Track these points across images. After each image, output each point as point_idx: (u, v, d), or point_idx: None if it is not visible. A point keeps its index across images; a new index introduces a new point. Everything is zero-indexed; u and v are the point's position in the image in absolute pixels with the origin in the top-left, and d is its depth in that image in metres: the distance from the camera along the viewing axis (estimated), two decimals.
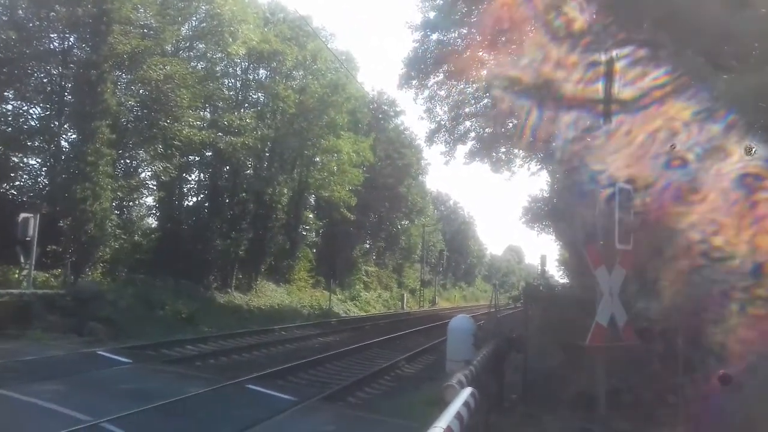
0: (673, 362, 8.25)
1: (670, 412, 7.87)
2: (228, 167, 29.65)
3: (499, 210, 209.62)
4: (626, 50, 9.33)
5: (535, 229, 33.45)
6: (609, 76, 9.34)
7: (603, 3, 10.62)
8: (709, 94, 8.48)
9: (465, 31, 22.54)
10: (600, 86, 9.28)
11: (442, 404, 4.60)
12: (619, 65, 9.32)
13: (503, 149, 26.99)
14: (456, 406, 4.12)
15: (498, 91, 18.32)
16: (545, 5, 12.60)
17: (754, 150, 7.42)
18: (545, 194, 27.68)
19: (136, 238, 24.61)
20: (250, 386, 11.77)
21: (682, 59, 8.59)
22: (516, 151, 26.33)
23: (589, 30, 10.68)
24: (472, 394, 4.70)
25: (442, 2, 22.53)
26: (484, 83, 23.01)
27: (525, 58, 14.22)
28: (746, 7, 8.42)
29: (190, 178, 30.04)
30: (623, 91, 9.38)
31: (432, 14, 23.24)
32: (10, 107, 22.21)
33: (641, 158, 8.81)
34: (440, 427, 3.45)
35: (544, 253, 79.16)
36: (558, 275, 29.60)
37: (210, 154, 28.46)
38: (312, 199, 40.03)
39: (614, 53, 9.39)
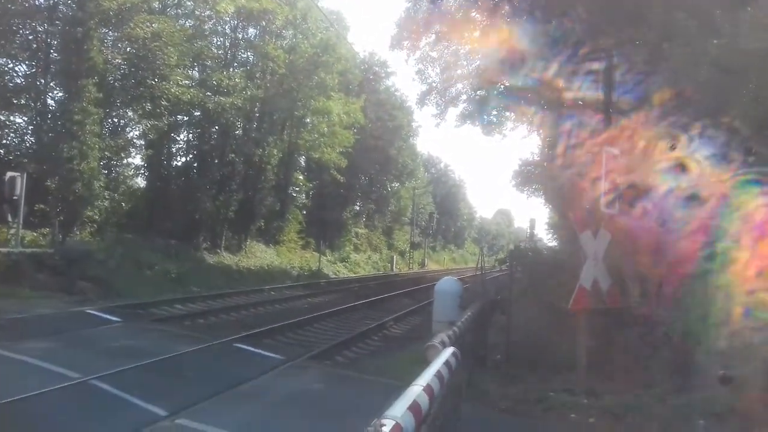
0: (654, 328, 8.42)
1: (648, 374, 8.06)
2: (217, 127, 29.31)
3: (489, 173, 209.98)
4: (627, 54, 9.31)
5: (525, 192, 33.45)
6: (608, 81, 9.36)
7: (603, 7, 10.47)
8: (711, 100, 8.44)
9: None
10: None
11: (426, 363, 4.70)
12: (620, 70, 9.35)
13: (494, 112, 26.82)
14: (437, 365, 4.21)
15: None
16: None
17: (754, 150, 7.47)
18: (536, 158, 27.65)
19: (124, 198, 24.43)
20: (239, 345, 11.92)
21: (684, 65, 8.51)
22: (507, 113, 26.19)
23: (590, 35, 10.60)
24: (453, 354, 4.79)
25: None
26: (476, 43, 22.75)
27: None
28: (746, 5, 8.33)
29: (178, 138, 29.73)
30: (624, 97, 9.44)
31: None
32: None
33: (642, 163, 8.83)
34: (420, 385, 3.53)
35: (533, 217, 79.60)
36: (547, 239, 29.82)
37: (198, 114, 28.11)
38: (302, 161, 39.83)
39: (615, 59, 9.39)
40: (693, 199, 8.11)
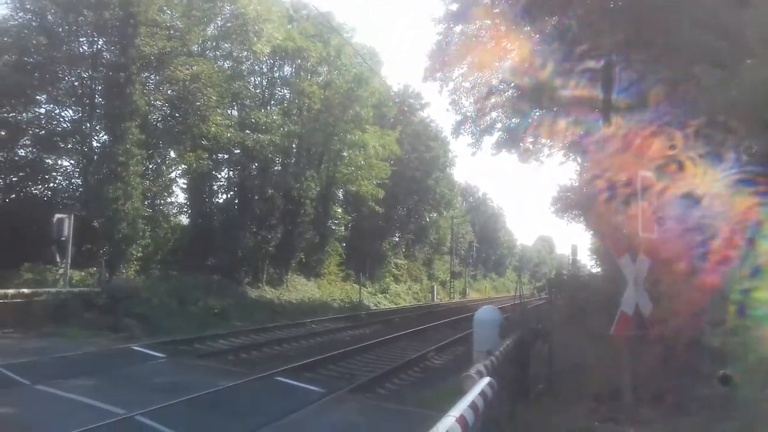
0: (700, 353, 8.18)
1: (696, 402, 7.80)
2: (256, 164, 29.99)
3: (528, 200, 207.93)
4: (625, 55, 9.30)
5: (565, 218, 32.99)
6: (608, 81, 9.33)
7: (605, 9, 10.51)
8: (707, 96, 8.36)
9: (489, 22, 22.37)
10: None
11: (461, 394, 4.67)
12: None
13: (530, 139, 26.73)
14: (472, 395, 4.19)
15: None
16: None
17: (754, 149, 7.33)
18: (574, 183, 27.37)
19: (167, 236, 25.00)
20: (280, 378, 11.95)
21: (682, 62, 8.47)
22: (543, 140, 26.08)
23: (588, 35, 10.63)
24: (489, 384, 4.76)
25: None
26: (508, 74, 22.84)
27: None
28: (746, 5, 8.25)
29: (219, 176, 30.51)
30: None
31: (455, 6, 23.04)
32: (43, 110, 22.98)
33: (641, 162, 8.74)
34: (453, 416, 3.52)
35: (575, 243, 78.16)
36: (590, 265, 29.31)
37: (238, 151, 28.82)
38: (340, 194, 40.24)
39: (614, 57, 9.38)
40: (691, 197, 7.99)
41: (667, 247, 8.28)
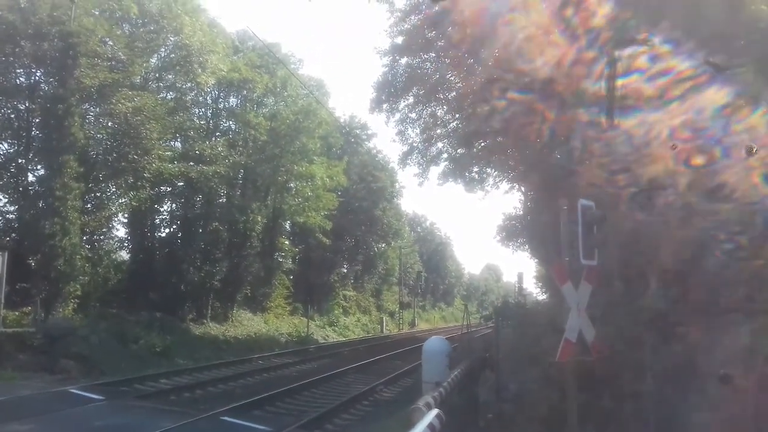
0: (644, 375, 8.35)
1: (640, 422, 7.94)
2: (200, 196, 29.53)
3: (475, 229, 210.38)
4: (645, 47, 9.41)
5: (510, 246, 33.53)
6: (612, 75, 9.52)
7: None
8: (735, 87, 8.56)
9: (433, 55, 22.86)
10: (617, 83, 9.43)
11: (410, 427, 4.62)
12: (639, 60, 9.44)
13: (476, 169, 27.23)
14: (420, 429, 4.15)
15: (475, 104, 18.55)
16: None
17: (755, 150, 7.53)
18: (518, 212, 27.92)
19: (107, 272, 24.19)
20: (226, 418, 11.67)
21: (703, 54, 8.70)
22: (488, 170, 26.60)
23: (606, 27, 10.79)
24: (437, 416, 4.73)
25: (409, 27, 22.82)
26: (454, 103, 23.30)
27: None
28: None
29: (161, 209, 29.82)
30: (643, 86, 9.47)
31: (400, 39, 23.48)
32: None
33: (661, 156, 8.86)
34: None
35: (520, 271, 79.54)
36: (536, 292, 29.77)
37: (182, 183, 28.30)
38: (287, 225, 39.91)
39: (626, 50, 9.53)
40: (716, 191, 8.09)
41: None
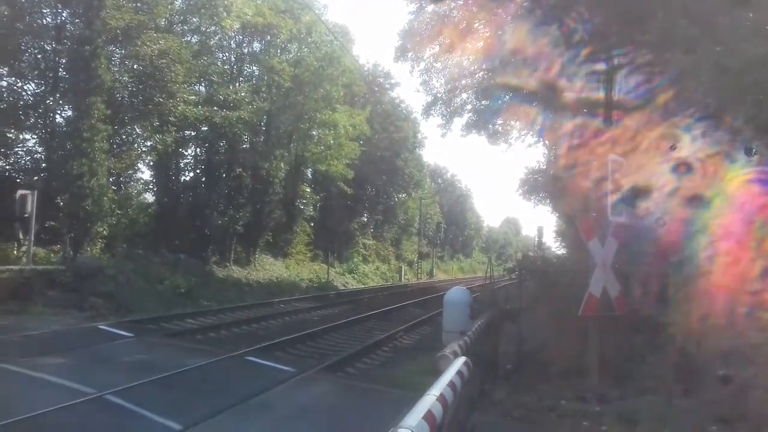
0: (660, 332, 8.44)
1: (656, 379, 8.06)
2: (224, 142, 29.62)
3: (496, 182, 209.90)
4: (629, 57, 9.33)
5: (532, 200, 33.37)
6: (610, 82, 9.42)
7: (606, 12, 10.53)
8: (714, 98, 8.47)
9: (461, 2, 22.33)
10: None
11: (437, 374, 4.75)
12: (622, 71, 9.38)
13: (500, 121, 26.91)
14: (449, 375, 4.27)
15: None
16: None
17: (754, 151, 7.48)
18: (542, 166, 27.68)
19: (134, 213, 24.59)
20: (250, 358, 11.96)
21: (685, 64, 8.56)
22: (513, 122, 26.26)
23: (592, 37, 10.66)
24: (465, 364, 4.84)
25: None
26: (481, 54, 22.87)
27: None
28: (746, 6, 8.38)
29: (186, 153, 30.01)
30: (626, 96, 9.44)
31: None
32: (4, 83, 22.16)
33: (646, 164, 8.85)
34: (433, 395, 3.59)
35: (541, 225, 79.33)
36: (555, 247, 29.75)
37: (206, 128, 28.37)
38: (309, 173, 40.03)
39: (615, 60, 9.43)
40: (695, 199, 8.12)
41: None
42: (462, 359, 4.93)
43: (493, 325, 10.00)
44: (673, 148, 8.61)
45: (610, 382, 8.55)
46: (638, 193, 8.56)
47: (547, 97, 16.14)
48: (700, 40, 8.35)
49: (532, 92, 17.92)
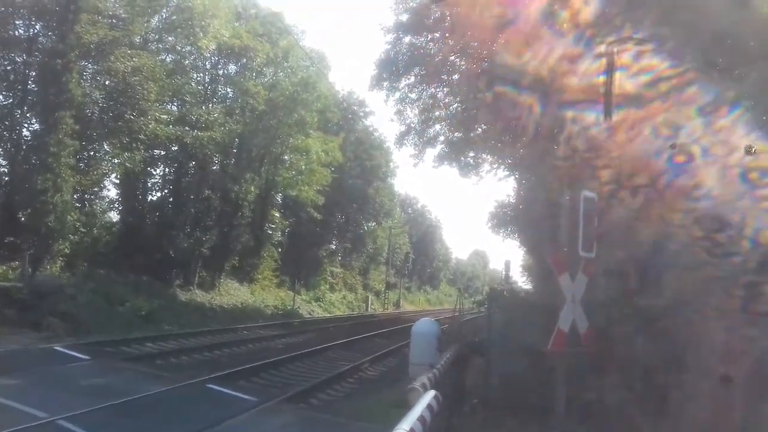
0: (632, 369, 8.44)
1: (627, 419, 8.02)
2: (194, 163, 29.31)
3: (465, 214, 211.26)
4: (629, 44, 9.38)
5: (501, 234, 33.65)
6: (610, 71, 9.45)
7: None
8: (713, 88, 8.58)
9: (438, 35, 22.64)
10: (601, 80, 9.36)
11: (405, 407, 4.63)
12: (621, 59, 9.40)
13: (471, 154, 27.17)
14: (419, 408, 4.15)
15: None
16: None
17: (754, 149, 7.53)
18: (511, 200, 27.94)
19: (97, 232, 24.00)
20: (211, 386, 11.66)
21: (686, 54, 8.69)
22: (484, 155, 26.52)
23: (592, 23, 10.71)
24: (435, 397, 4.73)
25: (415, 5, 22.57)
26: (455, 86, 23.13)
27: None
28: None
29: (154, 173, 29.52)
30: (625, 84, 9.44)
31: (405, 17, 23.22)
32: None
33: (644, 153, 8.90)
34: (403, 429, 3.47)
35: (508, 259, 79.93)
36: (522, 281, 29.90)
37: (176, 148, 28.03)
38: (279, 198, 39.76)
39: (615, 48, 9.48)
40: (695, 189, 8.14)
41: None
42: (432, 393, 4.82)
43: (461, 358, 9.90)
44: (673, 147, 8.68)
45: (576, 419, 8.48)
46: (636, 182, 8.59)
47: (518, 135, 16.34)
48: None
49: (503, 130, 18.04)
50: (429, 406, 4.36)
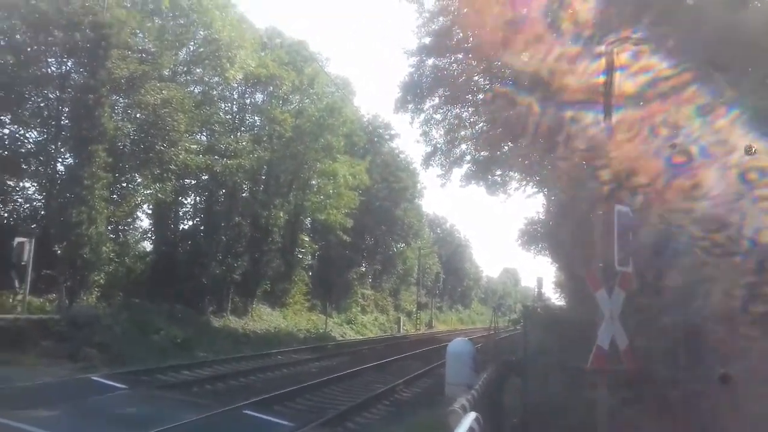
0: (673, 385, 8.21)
1: None
2: (224, 190, 29.70)
3: (495, 232, 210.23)
4: (628, 44, 9.32)
5: (532, 251, 33.39)
6: (610, 71, 9.37)
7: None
8: (712, 88, 8.48)
9: (461, 56, 22.74)
10: (601, 80, 9.30)
11: (444, 430, 4.55)
12: (620, 58, 9.33)
13: (499, 172, 27.09)
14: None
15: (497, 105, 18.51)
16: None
17: (754, 149, 7.39)
18: (541, 216, 27.72)
19: (132, 262, 24.40)
20: (247, 412, 11.62)
21: (684, 53, 8.61)
22: (512, 173, 26.41)
23: (591, 24, 10.69)
24: (476, 420, 4.65)
25: (437, 27, 22.72)
26: (480, 106, 23.16)
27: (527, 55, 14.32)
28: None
29: (185, 202, 30.01)
30: (626, 84, 9.37)
31: (427, 39, 23.39)
32: (6, 131, 22.29)
33: (644, 153, 8.80)
34: None
35: (540, 276, 79.06)
36: (554, 297, 29.51)
37: (206, 177, 28.47)
38: (308, 222, 40.01)
39: (615, 47, 9.41)
40: (695, 189, 8.01)
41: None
42: (473, 415, 4.73)
43: (497, 377, 9.75)
44: (673, 146, 8.56)
45: None
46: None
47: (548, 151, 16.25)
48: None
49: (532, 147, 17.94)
50: (470, 430, 4.28)
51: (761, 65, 8.27)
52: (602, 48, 9.48)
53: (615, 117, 9.22)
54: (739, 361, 6.64)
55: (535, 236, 30.77)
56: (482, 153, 26.80)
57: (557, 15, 12.26)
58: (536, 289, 29.18)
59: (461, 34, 21.49)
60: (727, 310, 6.99)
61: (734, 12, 8.57)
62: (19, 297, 18.09)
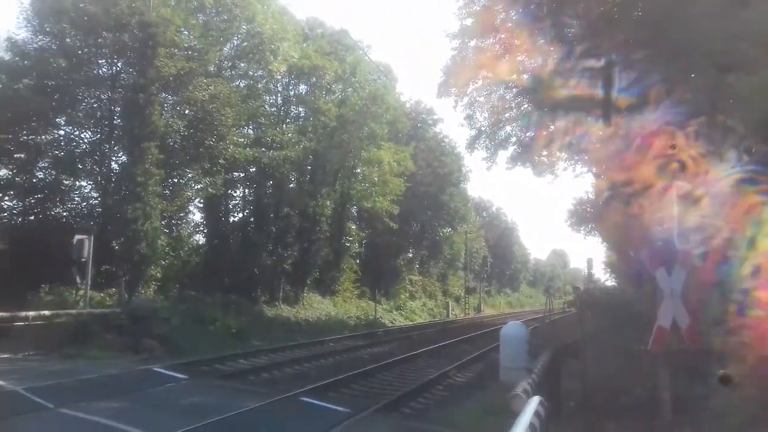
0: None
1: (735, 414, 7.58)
2: (271, 182, 30.11)
3: (542, 214, 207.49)
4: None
5: (582, 232, 32.70)
6: (608, 81, 9.24)
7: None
8: (707, 96, 8.27)
9: (503, 36, 22.36)
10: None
11: (501, 413, 4.54)
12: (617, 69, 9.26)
13: (545, 152, 26.61)
14: (527, 416, 4.06)
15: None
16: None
17: (754, 149, 7.22)
18: (591, 196, 27.14)
19: (186, 255, 25.01)
20: (304, 399, 11.80)
21: (680, 63, 8.39)
22: (559, 153, 25.91)
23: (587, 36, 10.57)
24: (540, 403, 4.62)
25: (479, 8, 22.39)
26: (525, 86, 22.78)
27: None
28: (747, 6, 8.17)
29: (235, 194, 30.61)
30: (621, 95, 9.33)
31: (469, 21, 23.07)
32: (62, 133, 23.10)
33: (640, 161, 8.66)
34: None
35: (590, 257, 77.57)
36: (605, 279, 28.89)
37: (254, 169, 28.92)
38: (354, 211, 40.24)
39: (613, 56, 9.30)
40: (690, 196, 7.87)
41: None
42: (537, 399, 4.71)
43: (554, 360, 9.65)
44: (673, 147, 8.36)
45: (684, 419, 8.08)
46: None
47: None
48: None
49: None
50: (536, 413, 4.26)
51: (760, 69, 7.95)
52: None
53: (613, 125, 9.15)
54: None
55: (584, 217, 30.13)
56: (528, 134, 26.38)
57: None
58: (586, 271, 28.63)
59: (503, 14, 21.13)
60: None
61: (729, 19, 8.30)
62: (81, 292, 18.76)
